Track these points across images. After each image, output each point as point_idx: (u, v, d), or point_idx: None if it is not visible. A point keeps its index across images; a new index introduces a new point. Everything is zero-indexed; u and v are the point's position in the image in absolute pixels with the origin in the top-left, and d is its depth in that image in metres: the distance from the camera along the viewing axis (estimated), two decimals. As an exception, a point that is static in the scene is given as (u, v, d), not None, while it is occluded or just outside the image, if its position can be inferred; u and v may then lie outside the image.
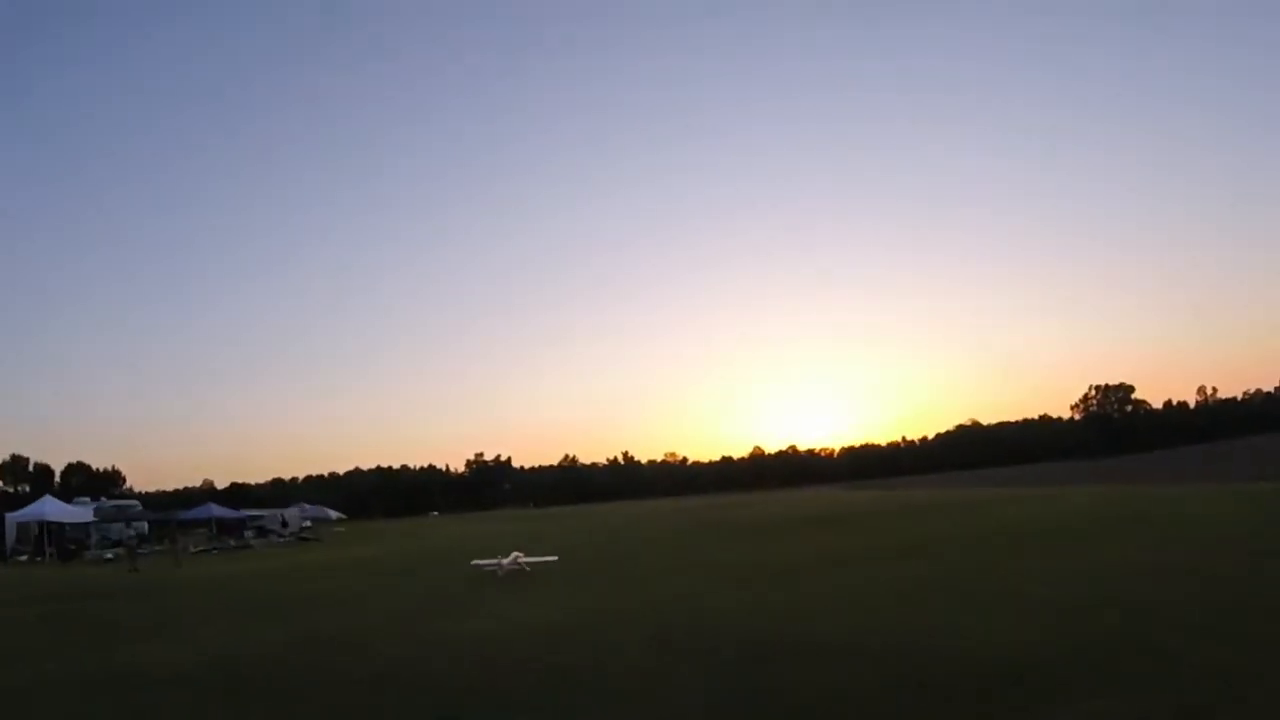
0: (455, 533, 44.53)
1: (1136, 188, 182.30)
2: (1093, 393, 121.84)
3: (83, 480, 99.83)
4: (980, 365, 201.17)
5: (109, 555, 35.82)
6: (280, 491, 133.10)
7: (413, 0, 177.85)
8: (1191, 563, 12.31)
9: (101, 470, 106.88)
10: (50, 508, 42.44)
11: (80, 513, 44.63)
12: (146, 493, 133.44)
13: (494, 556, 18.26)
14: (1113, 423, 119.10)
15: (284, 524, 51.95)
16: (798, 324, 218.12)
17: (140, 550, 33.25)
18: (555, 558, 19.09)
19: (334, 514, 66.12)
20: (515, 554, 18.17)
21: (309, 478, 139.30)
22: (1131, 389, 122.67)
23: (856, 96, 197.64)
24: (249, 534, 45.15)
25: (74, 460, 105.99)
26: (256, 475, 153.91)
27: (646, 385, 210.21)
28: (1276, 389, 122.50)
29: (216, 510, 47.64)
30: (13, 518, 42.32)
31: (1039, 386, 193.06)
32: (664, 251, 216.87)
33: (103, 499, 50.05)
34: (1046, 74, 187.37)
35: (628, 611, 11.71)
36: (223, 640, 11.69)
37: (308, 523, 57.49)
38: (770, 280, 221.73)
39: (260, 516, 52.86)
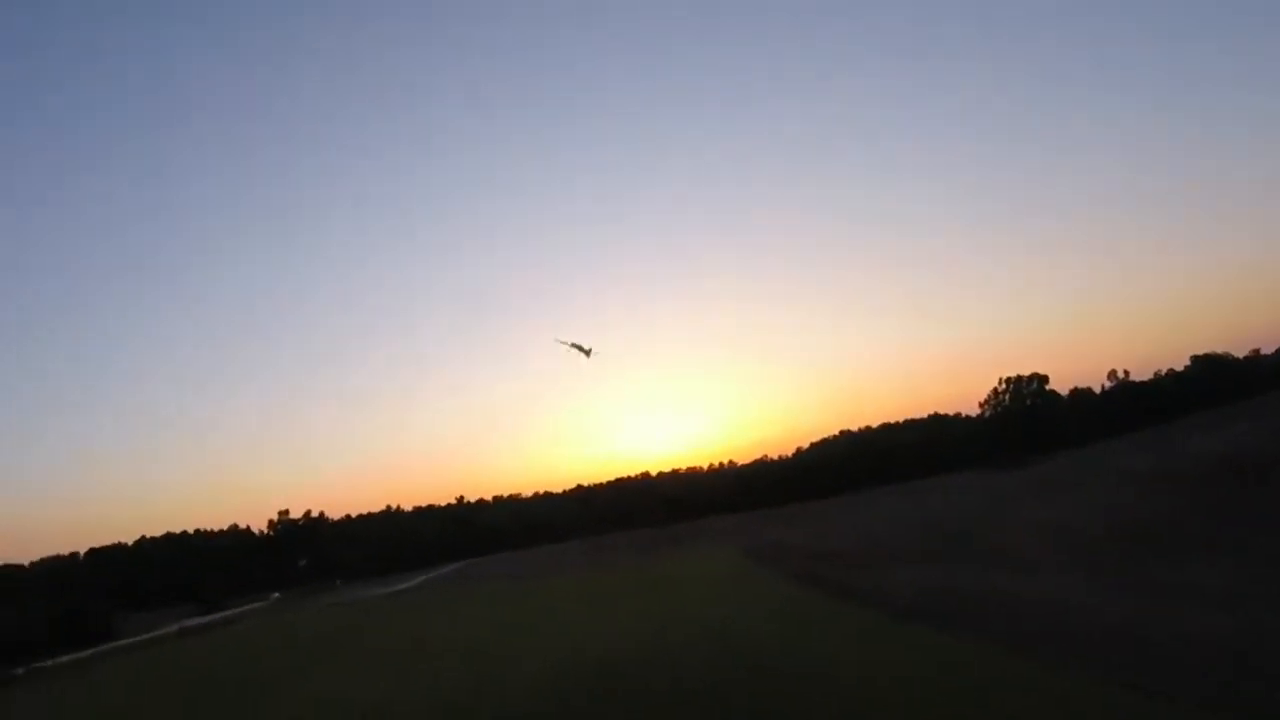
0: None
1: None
2: (1002, 386, 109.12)
3: None
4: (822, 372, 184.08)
5: None
6: (52, 572, 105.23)
7: None
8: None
9: None
10: None
11: None
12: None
13: None
14: (1033, 419, 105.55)
15: None
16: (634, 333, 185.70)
17: None
18: None
19: None
20: None
21: (92, 551, 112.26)
22: (1045, 378, 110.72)
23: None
24: None
25: None
26: (24, 553, 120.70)
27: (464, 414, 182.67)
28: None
29: None
30: None
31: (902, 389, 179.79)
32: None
33: None
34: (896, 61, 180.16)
35: None
36: None
37: None
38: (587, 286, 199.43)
39: None
